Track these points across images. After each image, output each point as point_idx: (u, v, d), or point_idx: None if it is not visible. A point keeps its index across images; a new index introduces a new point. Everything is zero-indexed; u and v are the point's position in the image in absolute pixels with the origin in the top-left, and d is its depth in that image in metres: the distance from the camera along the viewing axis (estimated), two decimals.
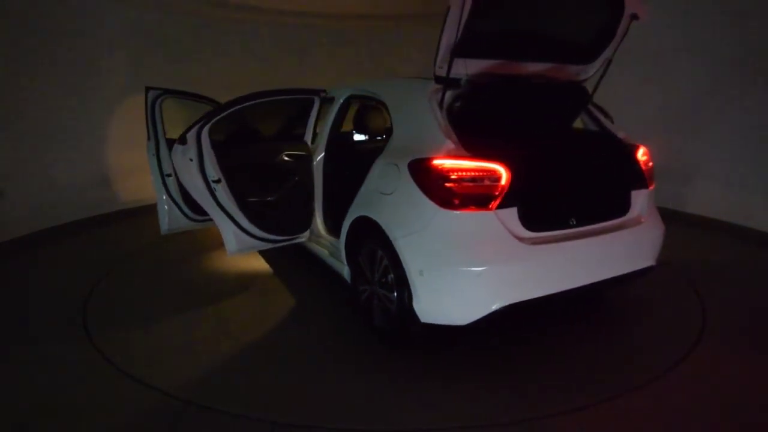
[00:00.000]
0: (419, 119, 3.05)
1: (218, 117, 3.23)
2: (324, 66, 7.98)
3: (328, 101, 4.08)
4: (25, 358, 3.12)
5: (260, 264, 4.73)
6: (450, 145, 2.80)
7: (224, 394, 2.72)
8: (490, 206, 2.67)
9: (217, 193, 3.42)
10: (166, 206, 4.17)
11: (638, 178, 3.29)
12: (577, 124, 3.73)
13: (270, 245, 3.91)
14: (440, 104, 2.99)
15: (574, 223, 3.00)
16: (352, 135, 4.76)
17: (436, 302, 2.77)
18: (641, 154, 3.34)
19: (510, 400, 2.64)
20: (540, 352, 3.14)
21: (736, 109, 5.52)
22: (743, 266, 4.67)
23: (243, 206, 3.57)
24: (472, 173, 2.67)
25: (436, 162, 2.71)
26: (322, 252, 4.04)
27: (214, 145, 3.34)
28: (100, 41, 6.13)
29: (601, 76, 3.45)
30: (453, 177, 2.67)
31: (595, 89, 3.49)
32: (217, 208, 3.47)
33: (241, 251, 3.76)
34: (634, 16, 3.13)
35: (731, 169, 5.66)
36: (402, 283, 2.88)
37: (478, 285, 2.64)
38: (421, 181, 2.76)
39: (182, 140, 3.15)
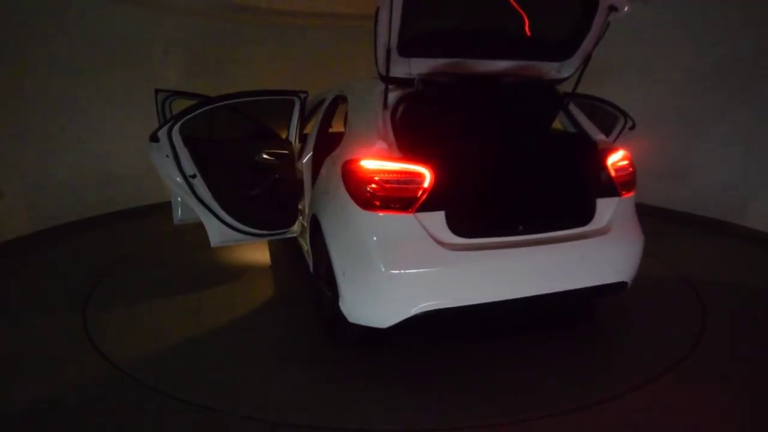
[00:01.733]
0: (364, 119, 3.06)
1: (189, 116, 3.45)
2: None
3: (320, 102, 4.19)
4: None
5: (259, 257, 4.97)
6: (382, 145, 2.77)
7: (162, 374, 2.92)
8: (411, 209, 2.61)
9: (195, 188, 3.66)
10: (179, 198, 4.31)
11: (606, 184, 3.02)
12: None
13: (254, 239, 4.09)
14: (384, 104, 2.97)
15: (522, 230, 2.84)
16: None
17: (357, 303, 2.77)
18: (613, 159, 3.05)
19: (507, 399, 2.66)
20: (528, 354, 3.11)
21: (739, 111, 5.53)
22: (744, 267, 4.69)
23: (223, 201, 3.78)
24: (394, 175, 2.63)
25: (361, 163, 2.71)
26: (305, 247, 4.17)
27: (194, 142, 3.58)
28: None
29: (581, 73, 3.21)
30: (376, 178, 2.65)
31: (575, 87, 3.27)
32: (197, 202, 3.71)
33: (224, 243, 3.97)
34: (612, 8, 2.89)
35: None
36: (332, 282, 2.92)
37: (395, 288, 2.60)
38: (347, 181, 2.77)
39: (154, 138, 3.42)
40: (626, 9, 2.88)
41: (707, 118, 5.84)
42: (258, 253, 5.07)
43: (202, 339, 3.38)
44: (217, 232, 3.87)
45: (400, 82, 3.01)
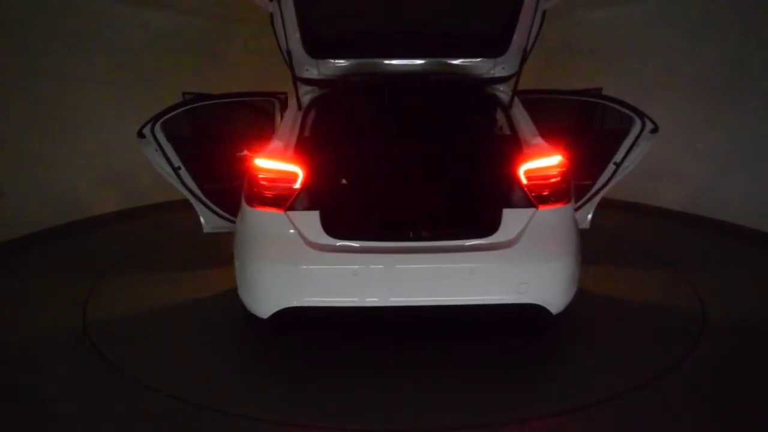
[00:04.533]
0: (284, 119, 3.18)
1: (171, 114, 3.91)
2: None
3: None
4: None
5: None
6: (277, 144, 2.89)
7: (109, 343, 3.21)
8: (282, 207, 2.69)
9: (183, 179, 4.14)
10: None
11: (518, 194, 2.71)
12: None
13: None
14: (298, 105, 3.06)
15: (412, 236, 2.72)
16: None
17: (243, 292, 2.92)
18: (528, 166, 2.72)
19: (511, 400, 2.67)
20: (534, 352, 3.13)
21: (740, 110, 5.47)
22: (744, 267, 4.67)
23: (208, 191, 4.21)
24: (270, 173, 2.74)
25: (253, 161, 2.86)
26: None
27: (181, 138, 4.06)
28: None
29: (519, 71, 2.94)
30: (259, 176, 2.78)
31: (515, 87, 3.00)
32: (187, 191, 4.19)
33: (216, 229, 4.41)
34: None
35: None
36: None
37: (263, 282, 2.72)
38: (244, 177, 2.94)
39: (140, 134, 3.95)
40: None
41: (707, 118, 5.77)
42: None
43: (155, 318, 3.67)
44: (208, 219, 4.32)
45: (320, 84, 3.07)
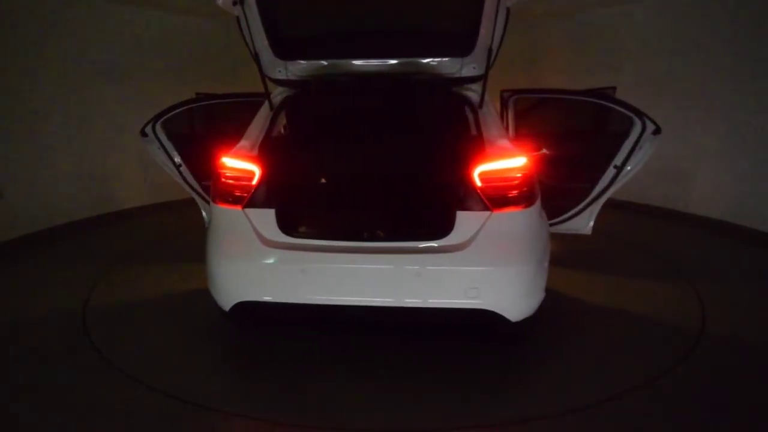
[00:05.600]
0: (256, 118, 3.26)
1: (169, 114, 4.11)
2: None
3: None
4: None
5: None
6: (243, 144, 2.97)
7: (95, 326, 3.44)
8: (240, 204, 2.77)
9: (184, 176, 4.35)
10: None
11: (472, 197, 2.64)
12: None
13: None
14: (270, 105, 3.14)
15: (366, 236, 2.73)
16: None
17: (209, 284, 3.02)
18: (483, 168, 2.65)
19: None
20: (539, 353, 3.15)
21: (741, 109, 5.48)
22: (744, 266, 4.72)
23: (206, 188, 4.39)
24: (231, 171, 2.83)
25: (221, 159, 2.96)
26: None
27: (181, 137, 4.25)
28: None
29: (486, 71, 2.87)
30: (222, 174, 2.88)
31: (484, 85, 2.94)
32: (187, 186, 4.40)
33: None
34: None
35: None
36: None
37: (221, 276, 2.81)
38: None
39: (143, 133, 4.17)
40: None
41: (706, 119, 5.80)
42: None
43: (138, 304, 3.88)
44: (208, 214, 4.52)
45: (291, 84, 3.14)
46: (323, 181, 2.92)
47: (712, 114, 5.77)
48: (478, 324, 2.87)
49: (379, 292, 2.65)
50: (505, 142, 2.80)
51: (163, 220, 6.49)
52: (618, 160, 3.70)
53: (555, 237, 4.71)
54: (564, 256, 4.93)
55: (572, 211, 3.97)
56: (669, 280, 4.31)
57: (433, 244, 2.64)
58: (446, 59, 2.95)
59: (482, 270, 2.58)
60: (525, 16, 7.17)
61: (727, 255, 5.06)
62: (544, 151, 4.11)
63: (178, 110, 4.16)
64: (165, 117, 4.13)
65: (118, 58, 6.36)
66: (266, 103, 3.18)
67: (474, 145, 2.80)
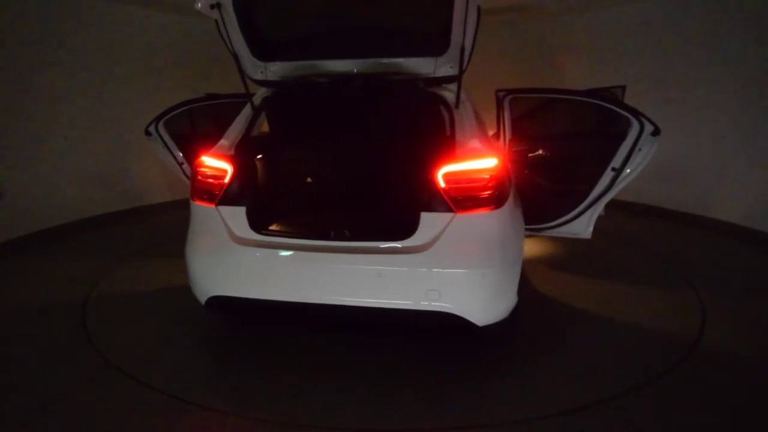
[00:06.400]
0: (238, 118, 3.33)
1: (170, 114, 4.27)
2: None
3: None
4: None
5: None
6: (223, 143, 3.06)
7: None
8: (213, 202, 2.85)
9: (186, 174, 4.50)
10: None
11: (436, 198, 2.62)
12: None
13: None
14: (251, 105, 3.21)
15: (333, 235, 2.76)
16: None
17: (188, 278, 3.11)
18: (447, 169, 2.62)
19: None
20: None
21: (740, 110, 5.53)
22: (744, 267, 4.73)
23: None
24: (207, 170, 2.91)
25: (200, 158, 3.05)
26: None
27: (184, 136, 4.41)
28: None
29: (460, 70, 2.85)
30: (199, 172, 2.97)
31: (459, 85, 2.91)
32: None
33: None
34: None
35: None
36: None
37: (195, 271, 2.90)
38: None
39: (147, 132, 4.35)
40: None
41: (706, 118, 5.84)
42: None
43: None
44: None
45: (272, 85, 3.20)
46: (294, 180, 2.96)
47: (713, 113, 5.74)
48: (447, 327, 2.84)
49: (342, 292, 2.67)
50: (475, 143, 2.76)
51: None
52: (616, 162, 3.57)
53: (554, 239, 4.75)
54: (570, 259, 4.87)
55: (571, 214, 3.86)
56: (672, 286, 4.18)
57: (397, 244, 2.63)
58: (421, 59, 2.94)
59: (443, 272, 2.55)
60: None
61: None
62: (541, 152, 4.02)
63: (180, 110, 4.32)
64: (167, 116, 4.29)
65: (123, 57, 6.37)
66: (249, 103, 3.27)
67: (444, 146, 2.77)
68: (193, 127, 4.68)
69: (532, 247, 5.15)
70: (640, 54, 6.32)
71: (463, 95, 3.02)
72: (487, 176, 2.62)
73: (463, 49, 2.75)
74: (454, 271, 2.56)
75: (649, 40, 6.22)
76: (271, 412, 2.55)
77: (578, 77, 6.76)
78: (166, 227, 6.03)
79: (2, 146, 5.20)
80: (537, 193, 3.96)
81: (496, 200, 2.63)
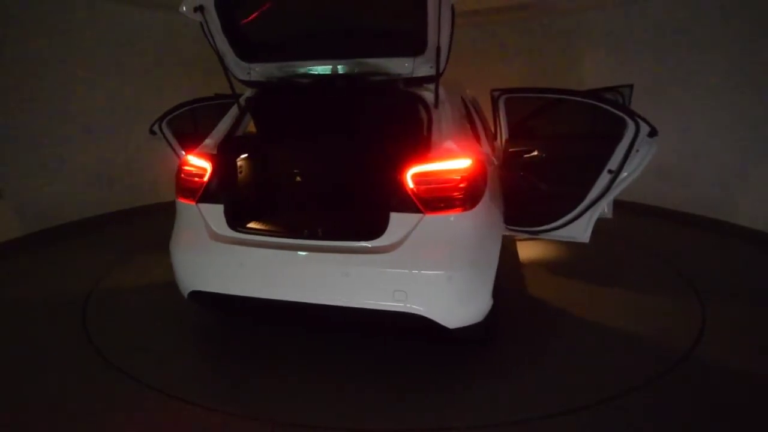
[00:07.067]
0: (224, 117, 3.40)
1: (173, 114, 4.40)
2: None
3: None
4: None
5: None
6: (208, 141, 3.14)
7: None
8: (193, 199, 2.93)
9: None
10: None
11: (405, 199, 2.60)
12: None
13: None
14: (238, 105, 3.28)
15: (306, 234, 2.79)
16: None
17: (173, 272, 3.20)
18: (416, 170, 2.60)
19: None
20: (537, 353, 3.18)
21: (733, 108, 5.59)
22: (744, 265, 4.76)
23: None
24: (189, 168, 2.99)
25: (185, 156, 3.14)
26: None
27: (187, 135, 4.53)
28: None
29: (437, 69, 2.82)
30: (182, 170, 3.05)
31: (436, 85, 2.88)
32: None
33: None
34: None
35: None
36: None
37: (176, 266, 2.99)
38: None
39: (151, 131, 4.49)
40: None
41: (706, 118, 5.86)
42: None
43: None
44: None
45: (258, 86, 3.26)
46: (272, 180, 3.01)
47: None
48: (420, 328, 2.82)
49: (312, 290, 2.69)
50: (449, 144, 2.72)
51: None
52: (612, 164, 3.45)
53: (555, 242, 4.65)
54: (570, 259, 4.78)
55: (567, 217, 3.76)
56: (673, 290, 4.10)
57: (366, 244, 2.63)
58: (400, 59, 2.92)
59: (409, 273, 2.54)
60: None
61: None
62: (536, 153, 3.93)
63: (183, 109, 4.45)
64: (171, 116, 4.43)
65: (124, 57, 6.35)
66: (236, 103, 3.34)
67: (419, 146, 2.76)
68: (196, 126, 4.82)
69: (531, 248, 5.08)
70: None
71: (443, 95, 3.00)
72: (458, 177, 2.59)
73: (439, 49, 2.72)
74: (420, 272, 2.54)
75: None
76: (272, 412, 2.56)
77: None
78: (168, 227, 6.07)
79: (2, 146, 5.20)
80: (534, 195, 3.88)
81: (468, 202, 2.60)
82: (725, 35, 5.56)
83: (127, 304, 3.97)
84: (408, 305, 2.56)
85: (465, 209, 2.60)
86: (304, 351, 3.18)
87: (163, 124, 4.46)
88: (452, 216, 2.59)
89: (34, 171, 5.52)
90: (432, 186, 2.58)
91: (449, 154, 2.66)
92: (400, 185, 2.61)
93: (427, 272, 2.54)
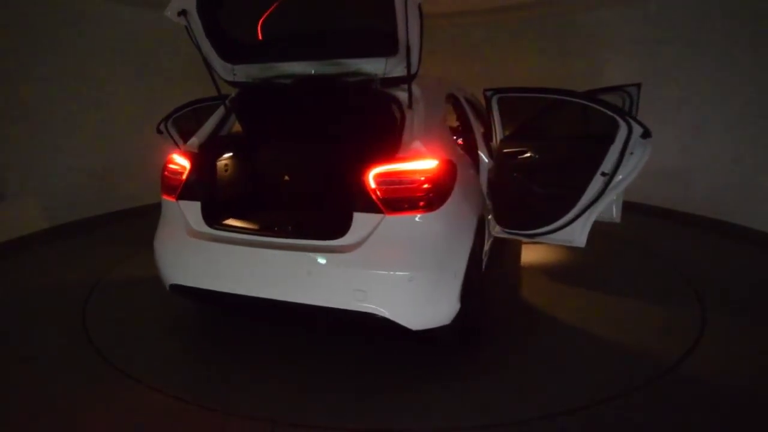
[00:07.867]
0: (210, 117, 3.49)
1: (176, 114, 4.55)
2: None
3: None
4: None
5: None
6: (192, 140, 3.24)
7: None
8: (174, 196, 3.04)
9: None
10: None
11: (367, 199, 2.61)
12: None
13: None
14: (224, 105, 3.38)
15: (277, 231, 2.85)
16: None
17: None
18: (379, 170, 2.60)
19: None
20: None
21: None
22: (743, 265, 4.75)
23: None
24: (172, 165, 3.10)
25: (170, 155, 3.25)
26: None
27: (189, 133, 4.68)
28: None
29: (408, 69, 2.83)
30: (166, 168, 3.17)
31: (409, 86, 2.88)
32: None
33: None
34: None
35: None
36: None
37: (158, 260, 3.12)
38: None
39: (158, 130, 4.66)
40: None
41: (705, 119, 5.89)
42: None
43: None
44: None
45: (243, 86, 3.35)
46: (249, 178, 3.08)
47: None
48: (385, 329, 2.82)
49: (275, 287, 2.74)
50: (417, 144, 2.71)
51: None
52: (606, 166, 3.34)
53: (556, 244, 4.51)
54: (571, 260, 4.67)
55: (562, 221, 3.66)
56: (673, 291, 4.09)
57: (329, 243, 2.66)
58: (374, 60, 2.93)
59: (368, 273, 2.54)
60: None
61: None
62: (529, 154, 3.84)
63: (187, 109, 4.60)
64: (176, 115, 4.60)
65: (124, 57, 6.36)
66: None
67: (387, 147, 2.76)
68: (199, 125, 4.97)
69: (534, 249, 5.01)
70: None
71: (420, 95, 2.99)
72: (422, 178, 2.58)
73: (409, 48, 2.71)
74: (378, 273, 2.54)
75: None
76: (273, 413, 2.58)
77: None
78: None
79: (2, 147, 5.21)
80: (528, 197, 3.79)
81: (433, 203, 2.58)
82: (733, 36, 5.50)
83: (128, 304, 4.00)
84: (367, 305, 2.57)
85: (430, 210, 2.58)
86: (305, 351, 3.20)
87: (169, 123, 4.63)
88: (417, 216, 2.58)
89: (34, 171, 5.56)
90: (393, 186, 2.58)
91: (414, 155, 2.65)
92: (363, 185, 2.62)
93: (387, 272, 2.54)
